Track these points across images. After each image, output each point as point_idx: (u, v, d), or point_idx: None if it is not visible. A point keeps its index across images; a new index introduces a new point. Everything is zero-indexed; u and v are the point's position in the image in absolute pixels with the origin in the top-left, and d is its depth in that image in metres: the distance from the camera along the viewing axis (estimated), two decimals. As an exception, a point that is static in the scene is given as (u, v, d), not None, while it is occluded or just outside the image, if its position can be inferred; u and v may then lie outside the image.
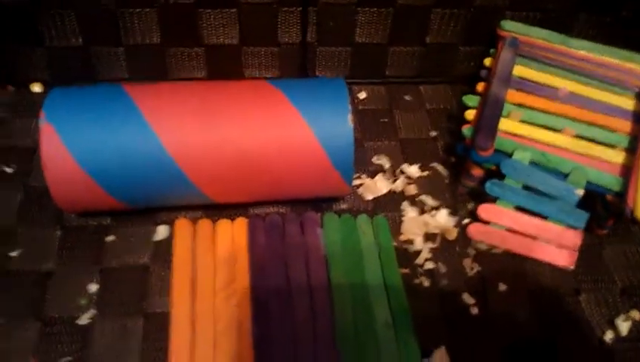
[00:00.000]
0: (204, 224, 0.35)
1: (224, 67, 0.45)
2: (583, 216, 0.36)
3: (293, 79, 0.36)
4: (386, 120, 0.44)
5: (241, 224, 0.36)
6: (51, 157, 0.31)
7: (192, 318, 0.31)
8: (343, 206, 0.38)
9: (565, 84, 0.42)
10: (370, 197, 0.39)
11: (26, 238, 0.35)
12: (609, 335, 0.33)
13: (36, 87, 0.43)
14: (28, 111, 0.41)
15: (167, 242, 0.35)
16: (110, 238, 0.35)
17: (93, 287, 0.33)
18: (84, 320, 0.31)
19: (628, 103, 0.41)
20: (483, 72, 0.44)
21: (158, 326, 0.31)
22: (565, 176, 0.37)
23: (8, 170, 0.38)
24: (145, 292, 0.33)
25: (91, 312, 0.32)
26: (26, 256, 0.34)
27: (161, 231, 0.35)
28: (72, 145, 0.31)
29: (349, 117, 0.33)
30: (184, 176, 0.32)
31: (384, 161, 0.41)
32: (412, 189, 0.40)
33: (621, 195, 0.36)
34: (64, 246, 0.34)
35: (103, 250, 0.34)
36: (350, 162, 0.34)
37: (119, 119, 0.32)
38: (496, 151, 0.37)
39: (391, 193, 0.39)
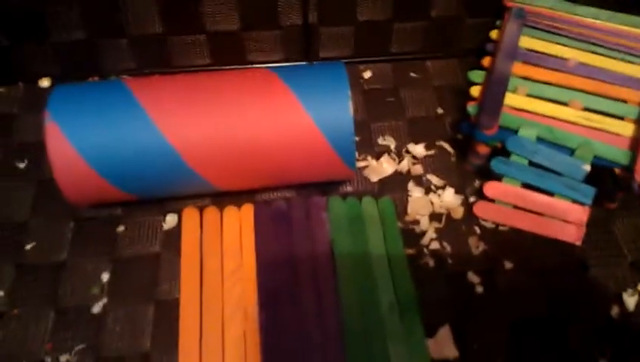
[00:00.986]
0: (211, 212, 0.36)
1: (227, 53, 0.45)
2: (589, 192, 0.36)
3: (293, 66, 0.36)
4: (392, 99, 0.44)
5: (247, 210, 0.36)
6: (58, 155, 0.32)
7: (200, 304, 0.32)
8: (349, 188, 0.38)
9: (574, 54, 0.41)
10: (375, 178, 0.39)
11: (40, 231, 0.36)
12: (616, 310, 0.33)
13: (45, 82, 0.44)
14: (38, 107, 0.42)
15: (176, 230, 0.36)
16: (121, 228, 0.36)
17: (106, 276, 0.34)
18: (97, 308, 0.33)
19: (638, 72, 0.40)
20: (489, 46, 0.43)
21: (169, 312, 0.32)
22: (572, 151, 0.36)
23: (21, 165, 0.39)
24: (155, 279, 0.34)
25: (104, 300, 0.33)
26: (40, 248, 0.35)
27: (170, 220, 0.36)
28: (77, 142, 0.32)
29: (349, 104, 0.33)
30: (188, 167, 0.33)
31: (390, 142, 0.41)
32: (418, 169, 0.40)
33: (629, 169, 0.35)
34: (76, 237, 0.36)
35: (114, 240, 0.35)
36: (352, 149, 0.34)
37: (121, 114, 0.33)
38: (502, 128, 0.37)
39: (397, 173, 0.39)
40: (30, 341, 0.32)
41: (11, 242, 0.35)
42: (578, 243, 0.36)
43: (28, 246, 0.35)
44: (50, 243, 0.35)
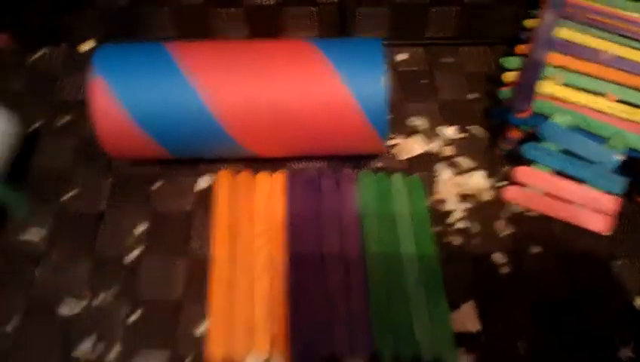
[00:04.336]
0: (245, 175, 0.37)
1: (264, 28, 0.46)
2: (620, 182, 0.36)
3: (331, 38, 0.37)
4: (426, 81, 0.44)
5: (279, 177, 0.37)
6: (101, 106, 0.33)
7: (231, 261, 0.33)
8: (379, 164, 0.39)
9: (611, 47, 0.41)
10: (405, 157, 0.40)
11: (81, 184, 0.37)
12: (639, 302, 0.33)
13: (87, 46, 0.45)
14: (79, 68, 0.44)
15: (210, 191, 0.37)
16: (157, 186, 0.37)
17: (141, 229, 0.35)
18: (132, 257, 0.34)
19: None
20: (523, 34, 0.43)
21: (200, 267, 0.33)
22: (605, 140, 0.37)
23: (63, 122, 0.40)
24: (188, 235, 0.35)
25: (139, 251, 0.34)
26: (81, 199, 0.36)
27: (204, 181, 0.37)
28: (120, 95, 0.33)
29: (385, 75, 0.34)
30: (223, 130, 0.34)
31: (421, 122, 0.42)
32: (448, 150, 0.40)
33: (661, 161, 0.35)
34: (115, 191, 0.37)
35: (150, 196, 0.37)
36: (385, 120, 0.34)
37: (164, 75, 0.34)
38: (536, 114, 0.37)
39: (427, 154, 0.40)
40: (67, 283, 0.33)
41: (53, 192, 0.37)
42: (606, 233, 0.36)
43: (68, 196, 0.36)
44: (89, 195, 0.37)
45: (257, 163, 0.38)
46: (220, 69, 0.34)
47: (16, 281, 0.33)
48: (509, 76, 0.40)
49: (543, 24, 0.41)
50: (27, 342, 0.31)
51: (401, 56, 0.46)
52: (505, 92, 0.39)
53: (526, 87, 0.37)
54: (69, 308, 0.32)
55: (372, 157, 0.39)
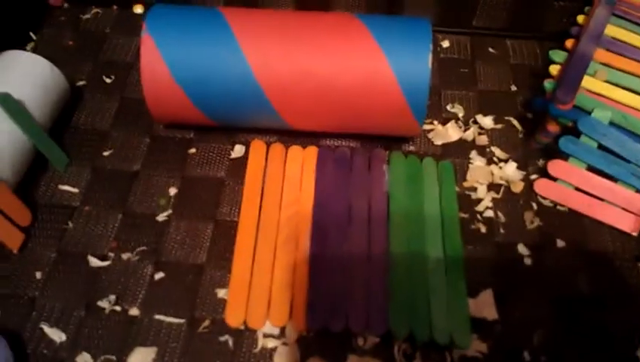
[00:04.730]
0: (277, 147, 0.38)
1: (312, 3, 0.46)
2: (656, 183, 0.35)
3: (379, 15, 0.36)
4: (467, 70, 0.44)
5: (311, 152, 0.37)
6: (148, 66, 0.34)
7: (257, 227, 0.34)
8: (412, 148, 0.39)
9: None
10: (439, 142, 0.39)
11: (119, 141, 0.38)
12: (664, 304, 0.33)
13: (138, 9, 0.46)
14: (129, 29, 0.45)
15: (242, 160, 0.38)
16: (192, 150, 0.38)
17: (173, 191, 0.36)
18: (161, 217, 0.35)
19: None
20: (574, 29, 0.43)
21: (226, 233, 0.34)
22: (644, 140, 0.36)
23: (108, 80, 0.42)
24: (218, 201, 0.36)
25: (169, 212, 0.35)
26: (117, 157, 0.38)
27: (238, 150, 0.38)
28: (167, 56, 0.34)
29: (429, 57, 0.34)
30: (265, 98, 0.34)
31: (458, 110, 0.41)
32: (483, 140, 0.40)
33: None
34: (151, 152, 0.38)
35: (184, 160, 0.38)
36: (424, 102, 0.34)
37: (214, 39, 0.34)
38: (576, 107, 0.37)
39: (461, 141, 0.40)
40: (96, 237, 0.34)
41: (92, 148, 0.38)
42: (634, 233, 0.35)
43: (106, 153, 0.38)
44: (126, 153, 0.38)
45: (290, 136, 0.38)
46: (267, 38, 0.34)
47: (49, 231, 0.34)
48: (555, 69, 0.40)
49: (593, 19, 0.41)
50: (55, 289, 0.32)
51: (445, 43, 0.46)
52: (550, 83, 0.38)
53: (571, 80, 0.37)
54: (97, 260, 0.33)
55: (404, 140, 0.39)
